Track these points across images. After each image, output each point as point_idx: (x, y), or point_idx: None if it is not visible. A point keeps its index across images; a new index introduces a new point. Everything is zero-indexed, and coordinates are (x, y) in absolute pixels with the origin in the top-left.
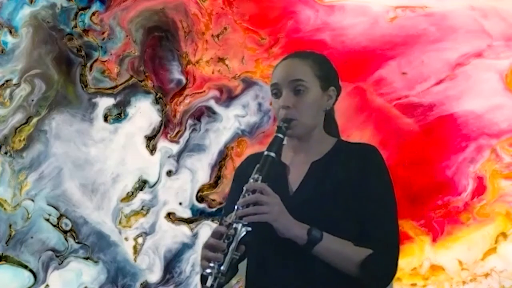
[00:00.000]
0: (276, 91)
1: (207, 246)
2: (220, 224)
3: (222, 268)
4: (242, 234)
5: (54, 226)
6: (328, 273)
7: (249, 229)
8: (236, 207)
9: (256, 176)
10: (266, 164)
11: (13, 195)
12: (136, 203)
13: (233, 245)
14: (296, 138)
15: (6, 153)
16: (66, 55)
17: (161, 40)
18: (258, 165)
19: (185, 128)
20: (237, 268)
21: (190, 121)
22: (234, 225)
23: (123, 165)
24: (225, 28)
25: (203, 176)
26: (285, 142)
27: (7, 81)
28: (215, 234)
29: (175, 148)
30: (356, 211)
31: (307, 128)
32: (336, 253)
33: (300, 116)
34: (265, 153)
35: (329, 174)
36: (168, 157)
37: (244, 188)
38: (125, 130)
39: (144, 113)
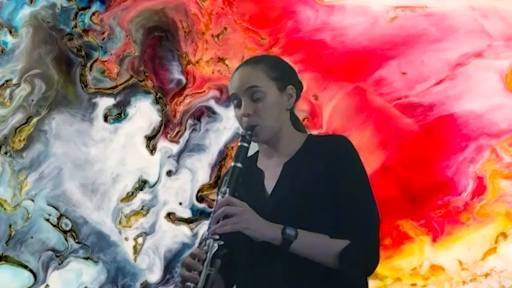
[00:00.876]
0: (236, 101)
1: (184, 265)
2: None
3: (198, 285)
4: (215, 249)
5: (54, 226)
6: (314, 270)
7: (221, 243)
8: (208, 224)
9: (223, 189)
10: (233, 176)
11: (13, 195)
12: (136, 203)
13: (206, 261)
14: (265, 143)
15: (6, 153)
16: (66, 55)
17: (161, 40)
18: (226, 177)
19: (185, 128)
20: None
21: (190, 121)
22: (207, 241)
23: (123, 165)
24: (225, 28)
25: (203, 176)
26: (258, 148)
27: (7, 81)
28: (192, 255)
29: (175, 148)
30: (331, 203)
31: (271, 131)
32: (313, 248)
33: (262, 121)
34: (232, 164)
35: (302, 171)
36: (168, 157)
37: (215, 203)
38: (125, 130)
39: (144, 113)
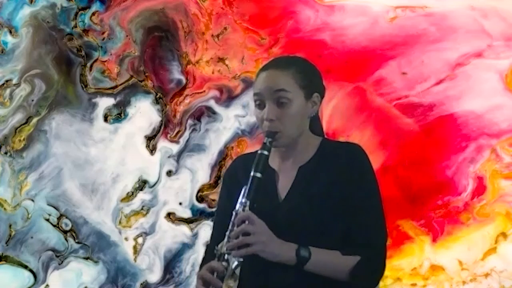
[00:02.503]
0: (259, 102)
1: (201, 279)
2: (214, 253)
3: None
4: (234, 265)
5: (54, 226)
6: (324, 278)
7: (241, 260)
8: (226, 238)
9: (243, 200)
10: (252, 187)
11: (13, 195)
12: (136, 203)
13: (226, 276)
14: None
15: (6, 153)
16: (66, 55)
17: (161, 40)
18: (245, 187)
19: (185, 128)
20: None
21: (190, 121)
22: (226, 257)
23: (123, 165)
24: (225, 28)
25: (203, 176)
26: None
27: (7, 81)
28: (210, 269)
29: (175, 148)
30: (343, 214)
31: (291, 139)
32: (326, 267)
33: (284, 128)
34: (252, 174)
35: (316, 178)
36: (168, 157)
37: (233, 214)
38: (125, 130)
39: (144, 113)
